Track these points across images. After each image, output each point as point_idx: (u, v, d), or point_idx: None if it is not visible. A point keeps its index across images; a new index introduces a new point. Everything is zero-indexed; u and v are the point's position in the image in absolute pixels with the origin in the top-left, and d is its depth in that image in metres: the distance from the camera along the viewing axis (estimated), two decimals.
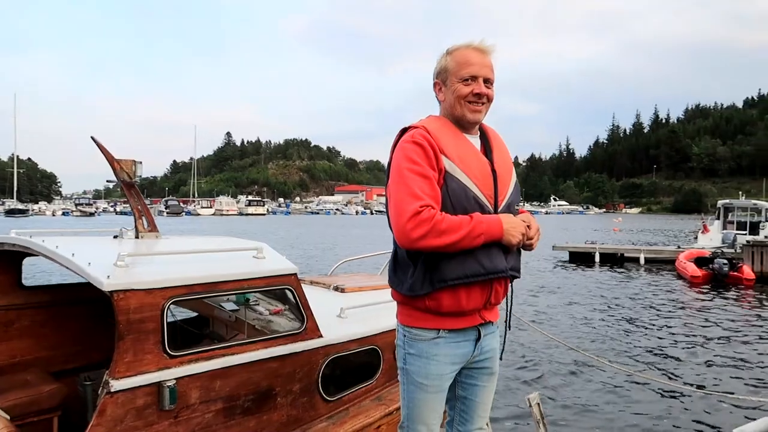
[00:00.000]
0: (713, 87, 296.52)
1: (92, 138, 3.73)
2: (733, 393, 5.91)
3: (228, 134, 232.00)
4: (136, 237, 3.80)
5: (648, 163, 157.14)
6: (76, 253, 2.79)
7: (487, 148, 2.26)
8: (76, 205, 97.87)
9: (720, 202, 26.14)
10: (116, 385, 2.39)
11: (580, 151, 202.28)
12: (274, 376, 2.91)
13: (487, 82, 2.19)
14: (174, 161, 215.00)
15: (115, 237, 3.92)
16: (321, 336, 3.14)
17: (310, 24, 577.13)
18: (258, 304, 3.67)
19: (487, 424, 2.44)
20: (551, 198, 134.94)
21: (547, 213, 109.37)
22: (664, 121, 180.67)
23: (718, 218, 24.93)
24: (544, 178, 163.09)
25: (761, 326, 10.79)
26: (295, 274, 3.13)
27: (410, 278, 2.12)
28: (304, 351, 3.04)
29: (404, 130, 2.19)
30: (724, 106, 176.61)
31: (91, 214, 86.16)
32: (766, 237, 21.08)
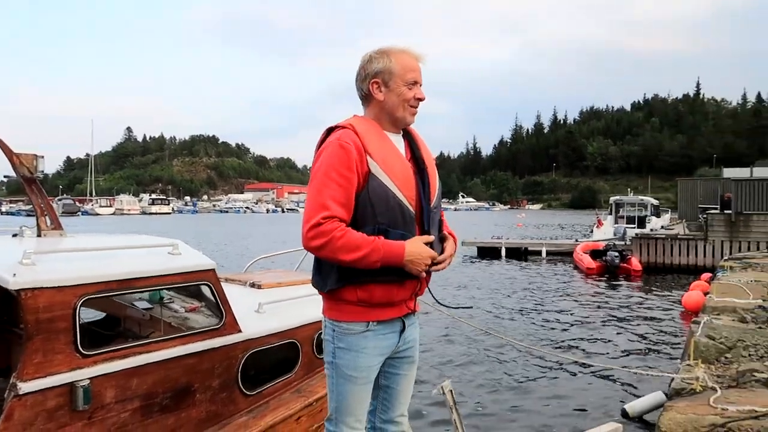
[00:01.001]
0: (605, 90, 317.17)
1: None
2: (625, 370, 6.46)
3: (128, 129, 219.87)
4: (39, 235, 3.61)
5: (548, 161, 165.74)
6: None
7: (414, 147, 2.33)
8: None
9: (612, 199, 28.21)
10: (24, 387, 2.29)
11: (486, 149, 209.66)
12: (193, 372, 2.89)
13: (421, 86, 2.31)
14: (68, 157, 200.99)
15: (15, 236, 3.70)
16: (240, 331, 3.14)
17: (215, 15, 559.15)
18: (172, 302, 3.60)
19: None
20: (459, 195, 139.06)
21: (456, 209, 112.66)
22: (562, 122, 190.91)
23: (611, 213, 26.89)
24: (452, 176, 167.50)
25: (647, 311, 11.80)
26: (213, 269, 3.12)
27: (333, 275, 2.16)
28: (223, 346, 3.04)
29: (331, 130, 2.21)
30: (615, 108, 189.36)
31: None
32: (652, 230, 22.99)
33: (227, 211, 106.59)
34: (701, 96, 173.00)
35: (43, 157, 3.86)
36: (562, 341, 9.14)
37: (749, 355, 4.91)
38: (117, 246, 3.20)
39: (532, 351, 6.97)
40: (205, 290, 3.24)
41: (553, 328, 10.08)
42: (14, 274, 2.37)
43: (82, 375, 2.45)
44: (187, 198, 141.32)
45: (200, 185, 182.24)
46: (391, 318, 2.25)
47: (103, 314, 4.07)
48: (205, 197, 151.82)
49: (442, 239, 2.35)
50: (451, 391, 3.89)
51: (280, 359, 3.47)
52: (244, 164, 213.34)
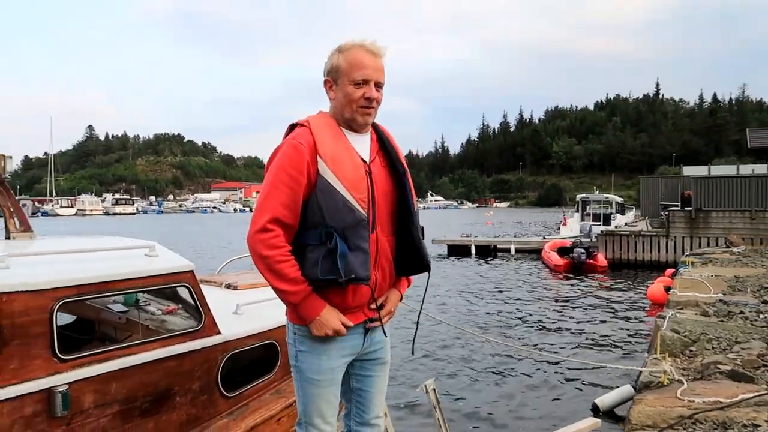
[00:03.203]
0: (569, 90, 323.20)
1: None
2: (594, 364, 6.63)
3: (90, 127, 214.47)
4: (7, 238, 3.52)
5: (515, 160, 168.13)
6: None
7: (384, 145, 2.26)
8: None
9: (578, 196, 28.72)
10: (1, 393, 2.24)
11: (454, 148, 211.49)
12: (173, 375, 2.87)
13: (378, 85, 2.16)
14: (26, 156, 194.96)
15: None
16: (219, 333, 3.13)
17: (175, 10, 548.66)
18: (149, 304, 3.55)
19: (385, 414, 2.55)
20: (428, 193, 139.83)
21: (425, 208, 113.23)
22: (528, 121, 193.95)
23: (578, 211, 27.39)
24: (421, 175, 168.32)
25: (613, 306, 12.09)
26: (192, 271, 3.09)
27: None
28: (202, 348, 3.01)
29: (293, 126, 2.19)
30: (578, 108, 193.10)
31: None
32: (616, 227, 23.51)
33: (194, 211, 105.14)
34: (660, 96, 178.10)
35: (11, 157, 3.77)
36: (533, 337, 9.32)
37: (713, 347, 5.09)
38: (92, 248, 3.14)
39: (506, 348, 7.09)
40: (184, 292, 3.21)
41: (523, 325, 10.27)
42: None
43: (60, 380, 2.41)
44: (152, 198, 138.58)
45: (166, 185, 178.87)
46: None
47: (74, 318, 4.00)
48: (170, 197, 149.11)
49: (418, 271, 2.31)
50: (434, 389, 3.94)
51: (259, 360, 3.45)
52: (211, 163, 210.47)
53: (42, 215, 79.12)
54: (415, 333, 2.48)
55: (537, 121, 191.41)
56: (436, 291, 14.08)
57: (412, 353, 2.04)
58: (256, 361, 3.45)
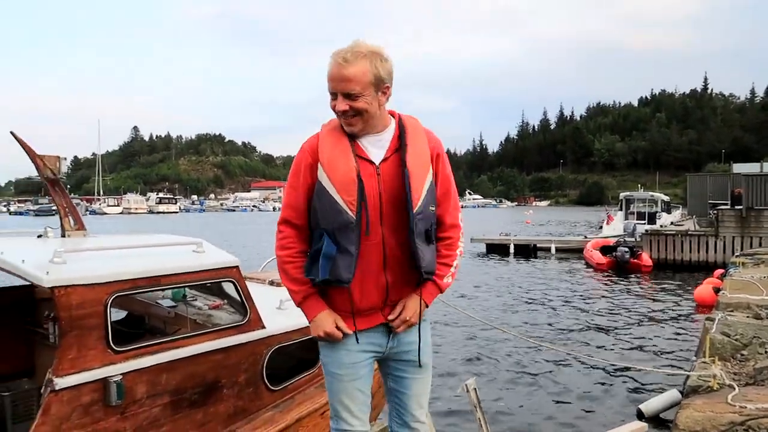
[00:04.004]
0: (611, 86, 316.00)
1: (11, 133, 3.55)
2: (638, 368, 6.47)
3: (135, 128, 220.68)
4: (63, 236, 3.66)
5: (555, 158, 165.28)
6: (4, 252, 2.68)
7: (402, 144, 2.19)
8: None
9: (622, 195, 28.06)
10: (60, 382, 2.34)
11: (493, 146, 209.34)
12: (220, 368, 2.93)
13: (349, 96, 2.06)
14: (75, 157, 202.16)
15: (39, 236, 3.76)
16: (264, 327, 3.18)
17: (217, 13, 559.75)
18: (195, 300, 3.65)
19: (426, 415, 2.51)
20: (466, 192, 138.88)
21: (463, 206, 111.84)
22: (568, 118, 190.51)
23: (621, 209, 26.77)
24: (459, 173, 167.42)
25: (658, 308, 11.78)
26: (237, 266, 3.16)
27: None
28: (248, 342, 3.07)
29: None
30: (622, 104, 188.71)
31: None
32: (662, 226, 22.90)
33: (234, 210, 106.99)
34: (709, 91, 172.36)
35: (65, 158, 3.92)
36: (575, 338, 9.15)
37: (766, 351, 4.92)
38: (142, 245, 3.25)
39: (546, 349, 6.99)
40: (229, 288, 3.28)
41: (564, 325, 10.09)
42: (47, 273, 2.41)
43: (115, 371, 2.49)
44: (194, 197, 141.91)
45: (207, 184, 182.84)
46: (363, 329, 2.19)
47: (126, 313, 4.13)
48: (212, 196, 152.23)
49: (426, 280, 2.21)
50: (475, 389, 3.92)
51: (303, 355, 3.50)
52: (251, 163, 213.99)
53: (90, 214, 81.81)
54: (420, 335, 2.30)
55: (578, 118, 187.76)
56: (474, 290, 13.99)
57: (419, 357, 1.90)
58: (299, 355, 3.50)
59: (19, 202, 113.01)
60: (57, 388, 2.32)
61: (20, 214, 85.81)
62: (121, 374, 2.51)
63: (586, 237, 24.98)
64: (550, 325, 10.13)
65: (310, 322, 2.20)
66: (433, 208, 2.19)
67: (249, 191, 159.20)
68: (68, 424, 2.35)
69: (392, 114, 2.27)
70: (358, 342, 2.19)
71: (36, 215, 74.52)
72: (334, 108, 2.11)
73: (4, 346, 3.99)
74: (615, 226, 25.27)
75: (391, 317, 2.19)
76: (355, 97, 2.06)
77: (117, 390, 2.47)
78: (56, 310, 2.42)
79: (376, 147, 2.18)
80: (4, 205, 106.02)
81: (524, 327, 9.88)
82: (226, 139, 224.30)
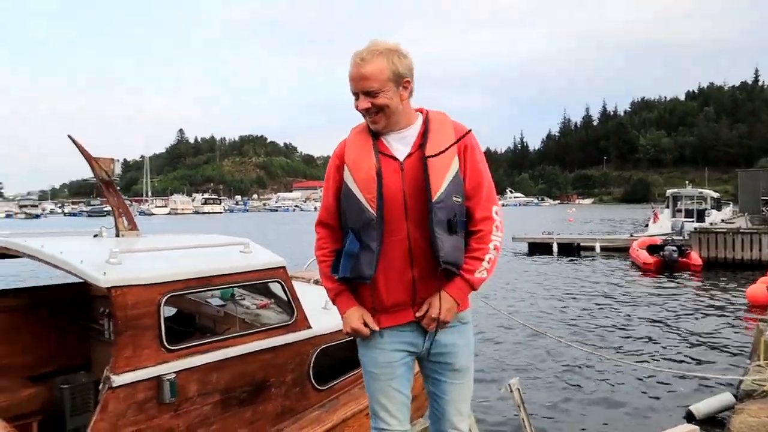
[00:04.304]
0: (657, 80, 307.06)
1: (69, 137, 3.69)
2: (688, 370, 6.28)
3: (180, 131, 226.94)
4: (117, 235, 3.78)
5: (598, 154, 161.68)
6: (64, 252, 2.79)
7: (425, 138, 2.18)
8: (20, 206, 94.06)
9: (669, 192, 27.26)
10: (117, 380, 2.42)
11: (534, 144, 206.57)
12: (268, 367, 2.98)
13: (369, 93, 2.10)
14: (125, 159, 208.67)
15: (95, 236, 3.89)
16: (310, 327, 3.22)
17: (259, 15, 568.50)
18: (243, 299, 3.72)
19: (469, 416, 2.47)
20: (507, 190, 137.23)
21: (504, 205, 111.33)
22: (612, 113, 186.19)
23: (668, 207, 26.01)
24: (499, 171, 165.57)
25: (708, 308, 11.39)
26: (284, 267, 3.21)
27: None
28: (295, 342, 3.12)
29: None
30: (668, 98, 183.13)
31: (36, 216, 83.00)
32: (711, 224, 22.16)
33: (277, 210, 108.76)
34: (760, 83, 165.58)
35: (119, 160, 4.06)
36: (620, 340, 8.93)
37: None
38: (192, 245, 3.33)
39: (591, 353, 6.85)
40: (276, 287, 3.34)
41: (610, 327, 9.86)
42: (104, 273, 2.50)
43: (168, 369, 2.57)
44: (238, 197, 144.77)
45: (250, 184, 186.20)
46: (393, 325, 2.20)
47: (176, 310, 4.24)
48: (255, 196, 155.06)
49: (448, 272, 2.13)
50: (518, 389, 3.88)
51: (348, 355, 3.53)
52: (292, 163, 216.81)
53: (140, 214, 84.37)
54: (436, 330, 2.23)
55: (622, 114, 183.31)
56: (516, 290, 13.82)
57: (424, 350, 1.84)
58: (344, 355, 3.52)
59: (72, 203, 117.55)
60: (114, 385, 2.40)
61: (74, 215, 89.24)
62: (174, 372, 2.58)
63: (631, 235, 24.35)
64: (595, 326, 9.92)
65: (342, 319, 2.26)
66: (459, 200, 2.14)
67: (291, 191, 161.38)
68: (124, 420, 2.43)
69: (420, 111, 2.29)
70: (381, 337, 2.21)
71: (89, 216, 77.38)
72: (357, 108, 2.18)
73: (62, 341, 4.15)
74: (662, 224, 24.57)
75: (418, 314, 2.18)
76: (375, 94, 2.11)
77: (170, 388, 2.54)
78: (112, 309, 2.50)
79: (401, 144, 2.20)
80: (59, 207, 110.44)
81: (568, 329, 9.70)
82: (268, 140, 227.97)
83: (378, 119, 2.15)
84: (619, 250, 21.74)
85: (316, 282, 4.47)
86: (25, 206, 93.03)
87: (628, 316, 10.76)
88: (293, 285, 3.25)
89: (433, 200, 2.08)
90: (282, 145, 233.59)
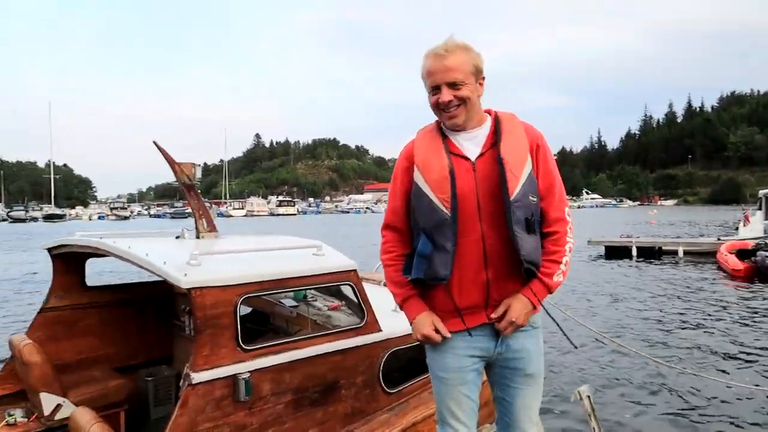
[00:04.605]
0: (747, 74, 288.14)
1: (154, 143, 3.89)
2: None
3: (257, 135, 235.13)
4: (197, 237, 3.94)
5: (683, 153, 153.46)
6: (149, 253, 2.93)
7: (498, 138, 2.17)
8: (111, 209, 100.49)
9: (762, 192, 25.42)
10: (196, 377, 2.52)
11: (612, 142, 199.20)
12: (338, 369, 3.02)
13: (453, 85, 2.11)
14: (205, 163, 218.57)
15: (177, 237, 4.07)
16: (380, 330, 3.24)
17: (328, 20, 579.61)
18: (315, 300, 3.79)
19: (537, 423, 2.40)
20: (583, 191, 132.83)
21: (579, 207, 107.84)
22: (698, 109, 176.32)
23: (760, 208, 24.27)
24: (575, 172, 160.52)
25: None
26: (355, 270, 3.24)
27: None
28: (365, 344, 3.14)
29: None
30: (761, 92, 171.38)
31: (126, 218, 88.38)
32: None
33: (348, 212, 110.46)
34: None
35: (200, 165, 4.26)
36: (707, 354, 8.39)
37: None
38: (267, 247, 3.42)
39: (672, 368, 6.46)
40: (347, 290, 3.38)
41: (695, 340, 9.26)
42: (185, 274, 2.61)
43: (243, 368, 2.65)
44: (311, 199, 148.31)
45: (323, 187, 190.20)
46: (464, 328, 2.17)
47: (251, 310, 4.38)
48: (327, 198, 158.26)
49: (529, 272, 2.13)
50: (589, 396, 3.74)
51: (418, 359, 3.52)
52: (364, 165, 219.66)
53: (219, 216, 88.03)
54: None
55: (709, 110, 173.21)
56: (590, 296, 13.33)
57: (575, 346, 1.87)
58: (414, 359, 3.52)
59: (158, 205, 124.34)
60: (194, 382, 2.51)
61: (159, 216, 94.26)
62: (249, 372, 2.66)
63: (719, 239, 22.93)
64: (675, 337, 9.38)
65: (410, 324, 2.24)
66: (534, 199, 2.14)
67: (362, 193, 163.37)
68: (203, 416, 2.53)
69: (488, 112, 2.28)
70: (453, 342, 2.17)
71: (172, 218, 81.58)
72: (435, 103, 2.16)
73: (147, 335, 4.38)
74: (753, 227, 22.94)
75: (494, 316, 2.15)
76: (459, 86, 2.12)
77: (245, 386, 2.62)
78: (192, 309, 2.61)
79: (472, 143, 2.19)
80: (146, 209, 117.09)
81: (643, 339, 9.22)
82: (340, 143, 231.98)
83: (458, 113, 2.14)
84: (705, 255, 20.51)
85: (386, 284, 4.49)
86: (116, 208, 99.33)
87: (715, 327, 10.09)
88: (364, 288, 3.27)
89: (511, 199, 2.07)
90: (354, 147, 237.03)
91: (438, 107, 2.16)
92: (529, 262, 2.09)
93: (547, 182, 2.20)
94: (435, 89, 2.14)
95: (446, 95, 2.11)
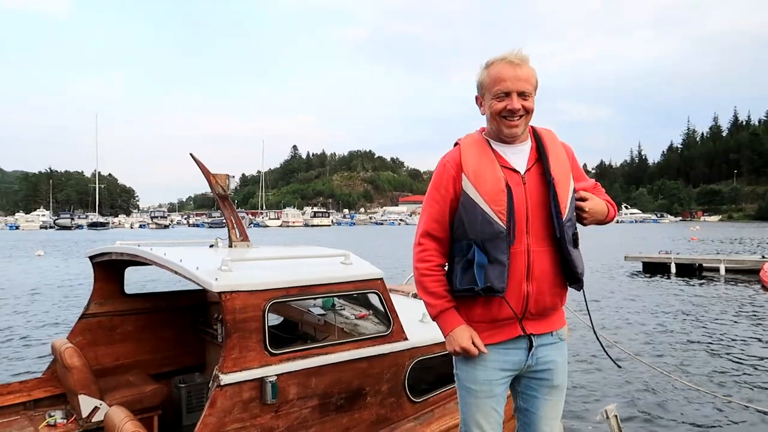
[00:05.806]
0: None
1: (191, 155, 4.04)
2: None
3: (294, 147, 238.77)
4: (230, 246, 4.07)
5: (727, 168, 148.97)
6: (183, 260, 3.05)
7: (542, 154, 2.23)
8: (152, 218, 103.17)
9: None
10: (225, 379, 2.60)
11: (653, 156, 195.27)
12: (364, 376, 3.07)
13: (523, 95, 2.16)
14: (243, 174, 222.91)
15: (211, 246, 4.21)
16: (406, 339, 3.27)
17: (367, 35, 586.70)
18: (344, 309, 3.85)
19: None
20: (623, 206, 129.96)
21: (618, 222, 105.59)
22: (744, 123, 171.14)
23: None
24: (614, 186, 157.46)
25: None
26: (382, 278, 3.29)
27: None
28: (391, 353, 3.18)
29: (455, 146, 2.34)
30: None
31: (166, 227, 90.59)
32: None
33: (382, 223, 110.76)
34: None
35: (234, 176, 4.37)
36: (750, 378, 8.09)
37: None
38: (296, 255, 3.51)
39: (707, 392, 6.23)
40: (374, 298, 3.43)
41: (735, 363, 8.94)
42: (216, 279, 2.71)
43: (271, 371, 2.72)
44: (346, 211, 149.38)
45: (357, 198, 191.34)
46: (500, 341, 2.20)
47: (282, 319, 4.48)
48: (362, 210, 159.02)
49: (576, 284, 2.28)
50: (616, 416, 3.69)
51: (444, 368, 3.54)
52: (399, 177, 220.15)
53: (254, 226, 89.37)
54: (600, 342, 2.46)
55: (756, 123, 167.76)
56: (624, 313, 13.03)
57: (618, 366, 1.90)
58: (440, 369, 3.54)
59: (196, 215, 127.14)
60: (222, 383, 2.59)
61: (197, 225, 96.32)
62: (276, 375, 2.73)
63: (764, 257, 22.16)
64: (713, 360, 9.07)
65: (445, 336, 2.24)
66: (575, 214, 2.25)
67: (397, 205, 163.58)
68: (230, 417, 2.61)
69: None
70: (486, 355, 2.19)
71: (210, 227, 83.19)
72: (501, 109, 2.17)
73: (182, 343, 4.52)
74: None
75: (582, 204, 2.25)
76: (527, 97, 2.18)
77: (272, 389, 2.69)
78: (222, 312, 2.70)
79: (518, 157, 2.23)
80: (185, 218, 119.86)
81: (679, 360, 8.96)
82: (376, 155, 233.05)
83: (520, 123, 2.19)
84: (748, 273, 19.86)
85: (415, 296, 4.53)
86: (156, 217, 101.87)
87: (758, 350, 9.76)
88: (390, 297, 3.32)
89: (564, 218, 2.15)
90: (389, 159, 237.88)
91: (501, 114, 2.18)
92: (581, 274, 2.22)
93: (582, 181, 2.36)
94: (504, 95, 2.16)
95: (516, 103, 2.15)
